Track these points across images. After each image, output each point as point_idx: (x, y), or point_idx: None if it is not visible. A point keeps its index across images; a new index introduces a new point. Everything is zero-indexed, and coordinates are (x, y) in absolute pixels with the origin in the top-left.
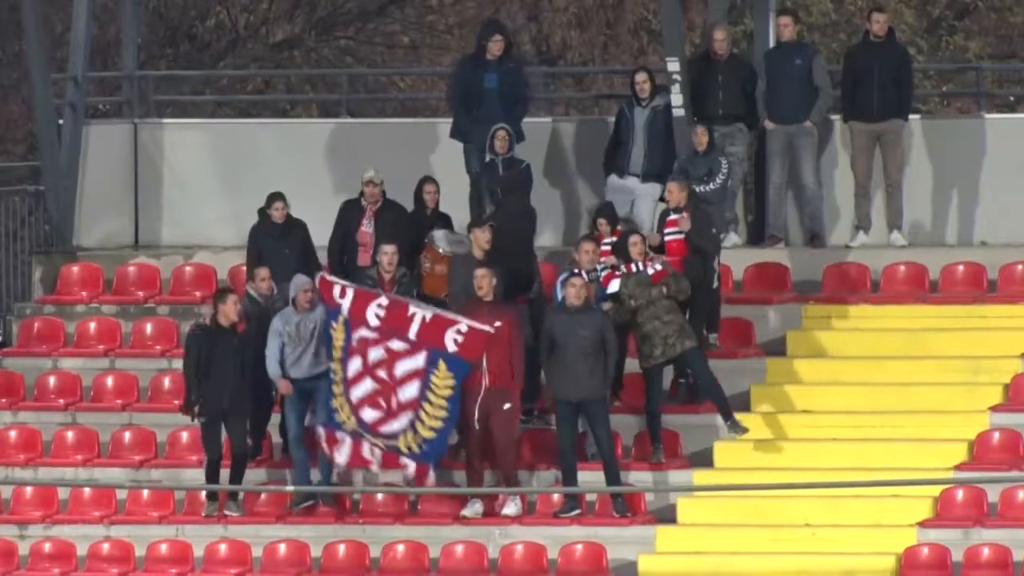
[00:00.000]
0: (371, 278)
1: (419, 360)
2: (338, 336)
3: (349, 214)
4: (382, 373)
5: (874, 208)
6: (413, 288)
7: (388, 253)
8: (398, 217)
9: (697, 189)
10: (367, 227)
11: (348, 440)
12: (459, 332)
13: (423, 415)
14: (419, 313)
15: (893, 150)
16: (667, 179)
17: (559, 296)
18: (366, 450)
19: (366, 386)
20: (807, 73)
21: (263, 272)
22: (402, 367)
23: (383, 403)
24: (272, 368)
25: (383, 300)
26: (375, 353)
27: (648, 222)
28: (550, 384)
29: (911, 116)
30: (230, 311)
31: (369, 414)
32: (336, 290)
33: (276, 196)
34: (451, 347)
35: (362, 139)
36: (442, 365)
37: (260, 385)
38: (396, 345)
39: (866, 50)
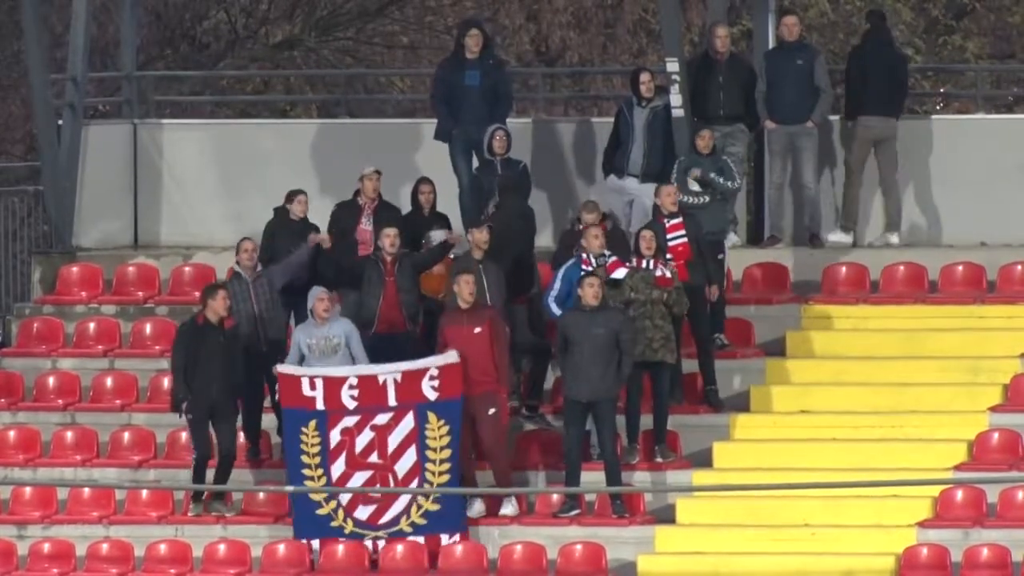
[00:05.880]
0: (373, 260)
1: (408, 423)
2: (311, 443)
3: (345, 214)
4: (374, 458)
5: (871, 208)
6: (407, 261)
7: (390, 236)
8: (393, 218)
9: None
10: (366, 224)
11: (346, 543)
12: (432, 377)
13: (428, 476)
14: (389, 377)
15: (889, 150)
16: (664, 179)
17: (557, 286)
18: (370, 548)
19: (357, 481)
20: (809, 73)
21: (247, 244)
22: (394, 440)
23: (378, 493)
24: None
25: (352, 379)
26: (362, 440)
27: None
28: (563, 383)
29: (913, 116)
30: (219, 307)
31: (364, 511)
32: (304, 384)
33: (299, 191)
34: (432, 395)
35: (361, 139)
36: (432, 417)
37: (249, 383)
38: (381, 419)
39: (865, 51)
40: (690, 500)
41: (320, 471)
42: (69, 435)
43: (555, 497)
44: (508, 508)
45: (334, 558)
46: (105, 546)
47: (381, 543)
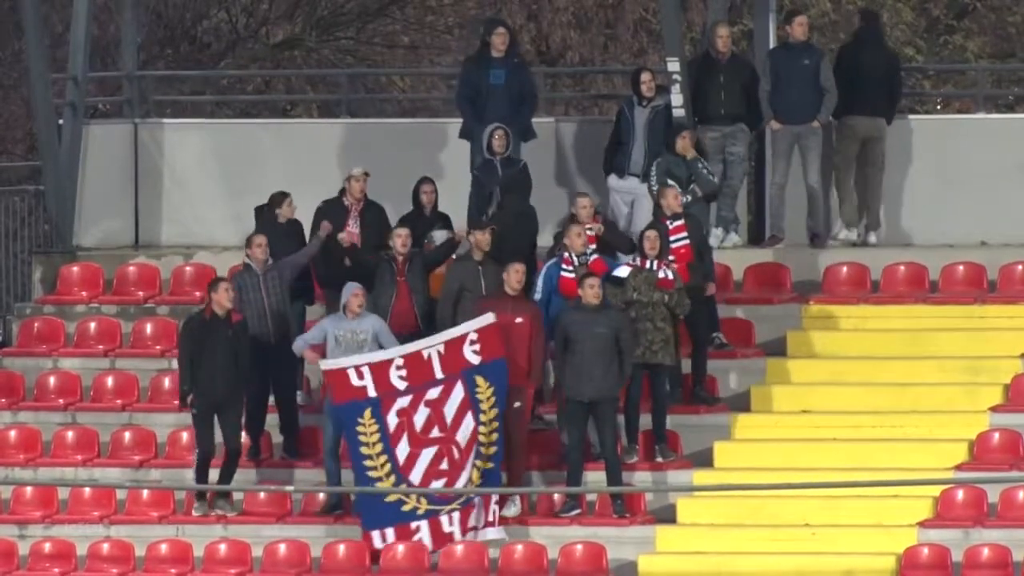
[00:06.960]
0: (386, 259)
1: (459, 391)
2: (370, 431)
3: (332, 214)
4: (435, 432)
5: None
6: (419, 261)
7: (402, 236)
8: (379, 217)
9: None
10: (353, 227)
11: (425, 524)
12: (472, 342)
13: (481, 439)
14: (432, 350)
15: (876, 152)
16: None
17: (539, 285)
18: (445, 523)
19: (424, 460)
20: (814, 74)
21: (260, 239)
22: (449, 410)
23: (446, 465)
24: (298, 345)
25: (398, 360)
26: (420, 417)
27: (647, 223)
28: (563, 383)
29: (913, 116)
30: (223, 299)
31: (436, 486)
32: (352, 375)
33: (286, 193)
34: (475, 359)
35: (362, 139)
36: (480, 380)
37: (256, 379)
38: (432, 394)
39: (857, 50)
40: (691, 500)
41: (383, 458)
42: (70, 435)
43: (556, 497)
44: (512, 509)
45: (335, 558)
46: (106, 546)
47: (455, 515)
